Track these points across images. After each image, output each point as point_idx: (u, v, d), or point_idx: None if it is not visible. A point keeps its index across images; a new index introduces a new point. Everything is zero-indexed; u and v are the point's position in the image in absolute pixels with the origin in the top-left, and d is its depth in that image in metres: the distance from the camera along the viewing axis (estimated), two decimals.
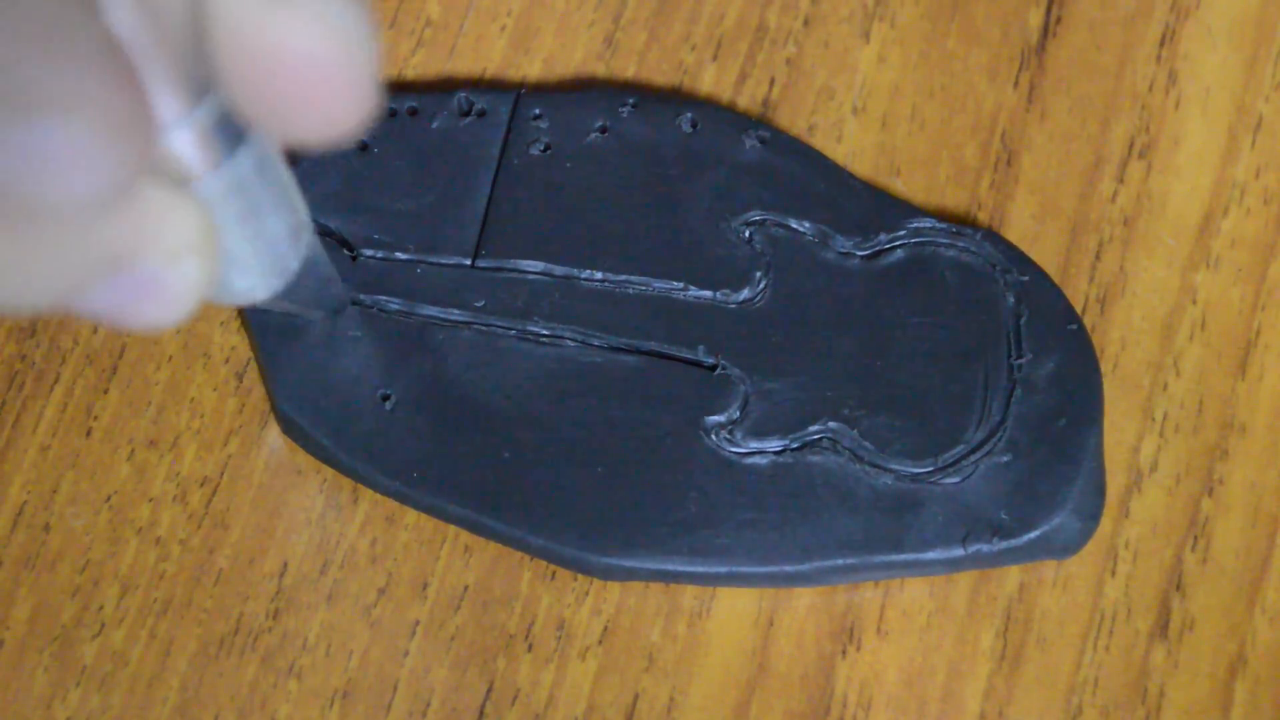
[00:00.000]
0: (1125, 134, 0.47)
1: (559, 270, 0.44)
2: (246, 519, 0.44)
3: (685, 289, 0.44)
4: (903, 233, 0.45)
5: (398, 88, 0.47)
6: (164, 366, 0.45)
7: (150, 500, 0.44)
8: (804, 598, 0.43)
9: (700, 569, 0.43)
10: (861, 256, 0.45)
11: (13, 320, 0.45)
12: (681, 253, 0.44)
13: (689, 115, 0.46)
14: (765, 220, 0.45)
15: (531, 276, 0.44)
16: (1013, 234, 0.46)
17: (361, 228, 0.44)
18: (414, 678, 0.43)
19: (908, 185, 0.47)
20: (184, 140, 0.29)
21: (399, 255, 0.44)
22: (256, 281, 0.33)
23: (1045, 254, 0.46)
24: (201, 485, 0.44)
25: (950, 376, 0.44)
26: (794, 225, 0.45)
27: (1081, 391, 0.44)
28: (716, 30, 0.48)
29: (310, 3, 0.27)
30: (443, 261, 0.44)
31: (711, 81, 0.47)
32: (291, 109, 0.28)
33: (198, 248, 0.29)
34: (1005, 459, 0.43)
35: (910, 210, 0.45)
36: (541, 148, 0.45)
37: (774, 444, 0.43)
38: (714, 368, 0.44)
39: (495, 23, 0.48)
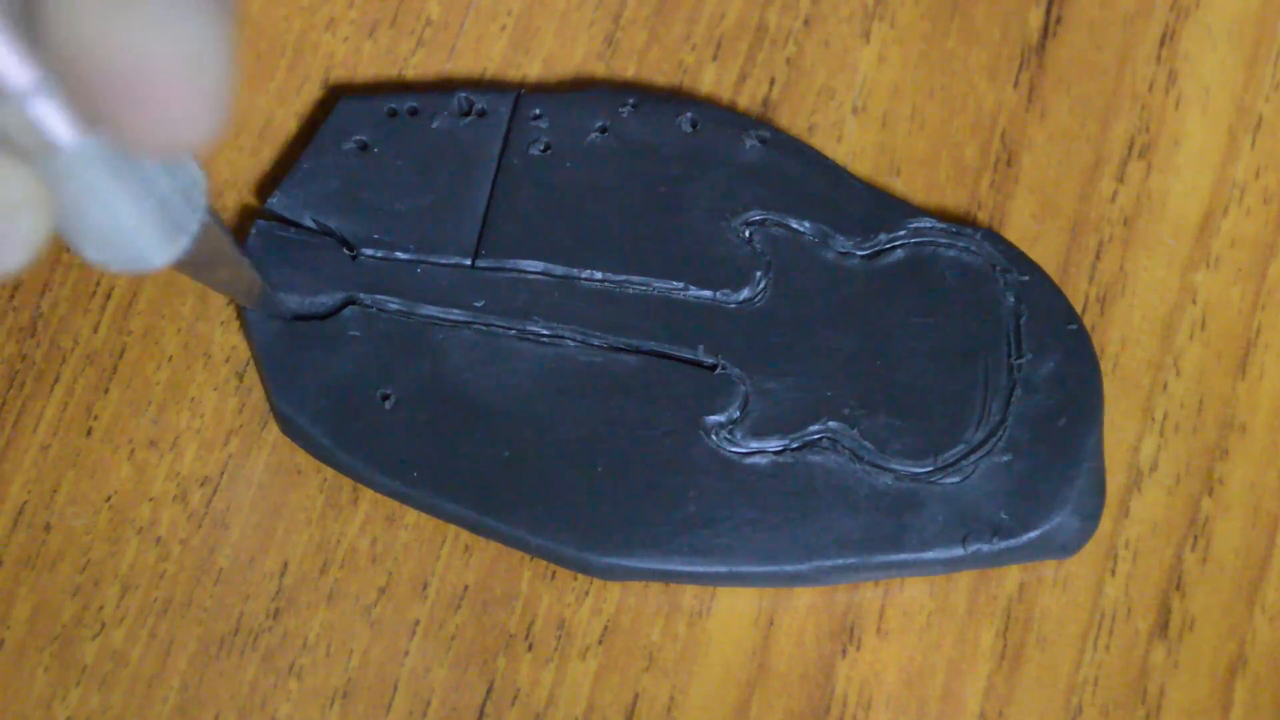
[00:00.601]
0: (1125, 134, 0.47)
1: (559, 270, 0.44)
2: (247, 518, 0.44)
3: (685, 289, 0.44)
4: (903, 232, 0.45)
5: (398, 87, 0.47)
6: (164, 366, 0.45)
7: (150, 500, 0.44)
8: (804, 597, 0.43)
9: (700, 568, 0.43)
10: (861, 256, 0.45)
11: (13, 320, 0.45)
12: (681, 252, 0.44)
13: (689, 115, 0.46)
14: (765, 220, 0.45)
15: (531, 276, 0.44)
16: (1012, 234, 0.46)
17: (361, 227, 0.44)
18: (414, 677, 0.43)
19: (908, 185, 0.47)
20: (44, 109, 0.29)
21: (399, 255, 0.44)
22: (150, 246, 0.32)
23: (1045, 254, 0.46)
24: (202, 485, 0.44)
25: (950, 376, 0.44)
26: (794, 225, 0.45)
27: (1081, 391, 0.44)
28: (717, 30, 0.48)
29: (157, 11, 0.26)
30: (443, 261, 0.44)
31: (712, 81, 0.47)
32: (125, 117, 0.27)
33: (30, 204, 0.30)
34: (1005, 459, 0.43)
35: (910, 210, 0.45)
36: (541, 148, 0.45)
37: (774, 444, 0.43)
38: (714, 367, 0.44)
39: (495, 22, 0.48)
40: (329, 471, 0.44)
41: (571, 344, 0.44)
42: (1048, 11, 0.48)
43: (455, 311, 0.44)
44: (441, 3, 0.48)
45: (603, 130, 0.46)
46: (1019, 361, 0.44)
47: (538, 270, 0.44)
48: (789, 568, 0.43)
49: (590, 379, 0.43)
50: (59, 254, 0.45)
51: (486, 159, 0.45)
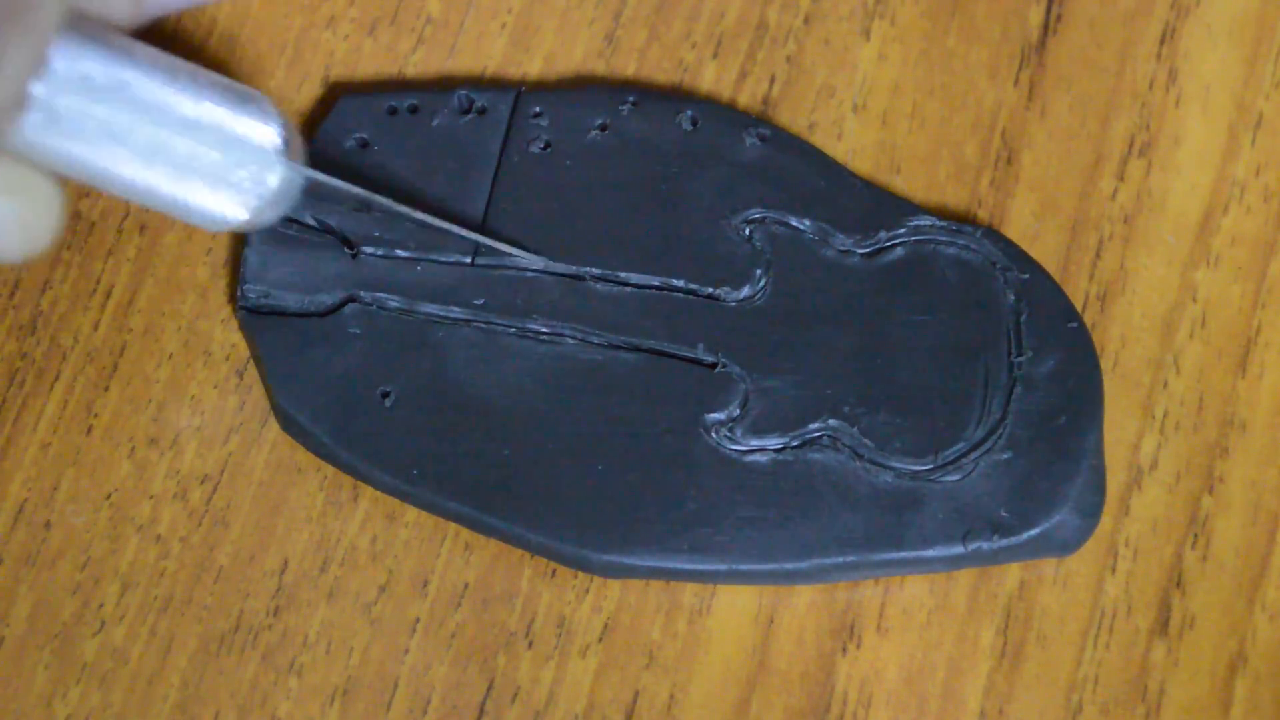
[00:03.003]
0: (1125, 132, 0.47)
1: (559, 268, 0.44)
2: (247, 516, 0.44)
3: (685, 286, 0.44)
4: (903, 230, 0.45)
5: (398, 85, 0.47)
6: (164, 364, 0.45)
7: (151, 498, 0.44)
8: (804, 595, 0.43)
9: (700, 566, 0.43)
10: (862, 254, 0.45)
11: (14, 317, 0.45)
12: (682, 250, 0.44)
13: (689, 113, 0.46)
14: (765, 218, 0.45)
15: (531, 274, 0.44)
16: (1013, 232, 0.46)
17: (362, 225, 0.44)
18: (414, 675, 0.43)
19: (908, 183, 0.47)
20: None
21: (399, 253, 0.44)
22: (219, 204, 0.31)
23: (1045, 252, 0.46)
24: (202, 483, 0.44)
25: (950, 374, 0.44)
26: (794, 223, 0.45)
27: (1082, 389, 0.44)
28: (717, 28, 0.48)
29: None
30: (443, 259, 0.44)
31: (712, 79, 0.47)
32: None
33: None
34: (1005, 456, 0.43)
35: (910, 208, 0.45)
36: (542, 145, 0.45)
37: (774, 441, 0.43)
38: (714, 365, 0.44)
39: (496, 20, 0.48)
40: (329, 469, 0.44)
41: (571, 342, 0.44)
42: (1048, 9, 0.48)
43: (455, 309, 0.44)
44: (442, 0, 0.48)
45: (603, 128, 0.46)
46: (1019, 359, 0.44)
47: (538, 268, 0.44)
48: (789, 565, 0.43)
49: (590, 377, 0.43)
50: (59, 251, 0.45)
51: (487, 157, 0.45)
